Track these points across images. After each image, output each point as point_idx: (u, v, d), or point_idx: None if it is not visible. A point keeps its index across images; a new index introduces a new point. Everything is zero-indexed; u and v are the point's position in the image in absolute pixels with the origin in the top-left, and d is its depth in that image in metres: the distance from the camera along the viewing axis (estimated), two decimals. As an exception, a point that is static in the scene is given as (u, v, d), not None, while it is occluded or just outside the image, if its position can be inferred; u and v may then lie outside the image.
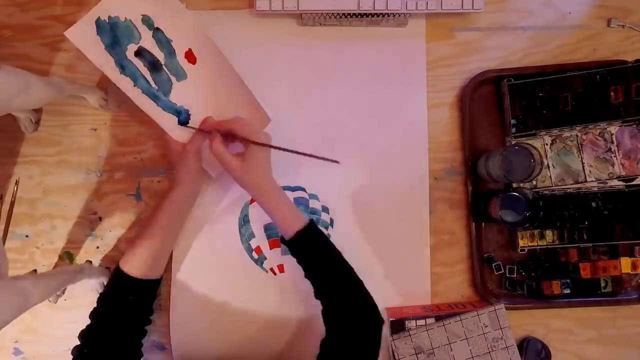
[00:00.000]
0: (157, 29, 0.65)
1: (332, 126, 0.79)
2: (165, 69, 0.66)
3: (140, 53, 0.65)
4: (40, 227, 0.79)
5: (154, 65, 0.66)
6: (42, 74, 0.80)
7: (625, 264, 0.75)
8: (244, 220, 0.78)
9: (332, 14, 0.77)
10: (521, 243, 0.75)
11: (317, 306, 0.77)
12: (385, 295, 0.77)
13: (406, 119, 0.79)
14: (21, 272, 0.79)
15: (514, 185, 0.74)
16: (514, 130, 0.76)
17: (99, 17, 0.63)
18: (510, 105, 0.75)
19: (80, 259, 0.79)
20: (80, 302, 0.79)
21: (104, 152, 0.79)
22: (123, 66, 0.65)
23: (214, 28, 0.80)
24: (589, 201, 0.75)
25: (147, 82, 0.66)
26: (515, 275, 0.77)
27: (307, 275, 0.69)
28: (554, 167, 0.75)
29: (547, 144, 0.75)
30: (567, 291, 0.76)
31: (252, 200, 0.78)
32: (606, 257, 0.76)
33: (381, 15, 0.78)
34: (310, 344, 0.77)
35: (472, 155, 0.78)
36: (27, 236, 0.79)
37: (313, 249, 0.68)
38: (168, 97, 0.67)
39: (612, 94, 0.74)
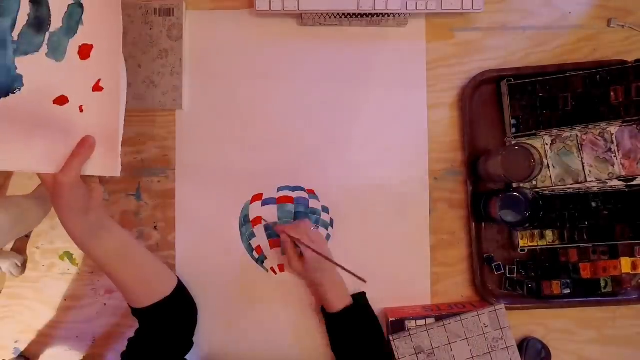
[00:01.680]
0: (80, 4, 0.53)
1: (332, 126, 0.79)
2: (47, 36, 0.52)
3: (37, 3, 0.51)
4: (40, 227, 0.79)
5: (39, 24, 0.51)
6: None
7: (625, 264, 0.75)
8: (245, 220, 0.78)
9: (332, 14, 0.77)
10: (521, 243, 0.75)
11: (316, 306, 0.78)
12: (385, 295, 0.77)
13: (406, 119, 0.79)
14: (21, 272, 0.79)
15: (514, 185, 0.74)
16: (514, 130, 0.76)
17: None
18: (510, 105, 0.75)
19: (79, 259, 0.79)
20: (79, 303, 0.79)
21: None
22: None
23: (214, 28, 0.80)
24: (589, 201, 0.75)
25: (12, 27, 0.51)
26: (515, 276, 0.77)
27: (334, 349, 0.73)
28: (554, 167, 0.75)
29: (547, 144, 0.75)
30: (567, 291, 0.75)
31: (252, 200, 0.78)
32: (606, 257, 0.76)
33: (381, 16, 0.78)
34: (311, 343, 0.78)
35: (472, 155, 0.78)
36: (26, 236, 0.79)
37: (354, 326, 0.71)
38: (16, 57, 0.51)
39: (612, 94, 0.74)
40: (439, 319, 0.73)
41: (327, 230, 0.78)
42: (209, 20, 0.81)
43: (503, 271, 0.77)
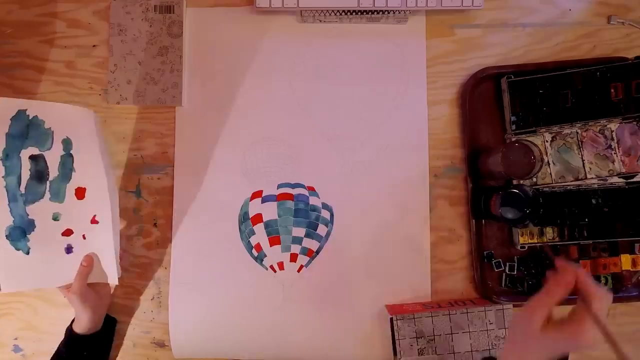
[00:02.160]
0: (71, 154, 0.65)
1: (332, 123, 0.79)
2: (47, 184, 0.65)
3: (35, 159, 0.65)
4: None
5: (39, 176, 0.65)
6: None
7: (625, 261, 0.75)
8: (244, 217, 0.78)
9: (332, 11, 0.77)
10: (521, 240, 0.75)
11: (316, 304, 0.78)
12: (385, 292, 0.77)
13: (406, 116, 0.79)
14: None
15: (514, 182, 0.73)
16: (514, 127, 0.75)
17: (26, 110, 0.63)
18: (510, 102, 0.75)
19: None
20: (80, 299, 0.79)
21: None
22: (8, 156, 0.64)
23: (214, 25, 0.80)
24: (589, 198, 0.75)
25: (19, 183, 0.64)
26: (515, 273, 0.77)
27: None
28: (554, 164, 0.75)
29: (547, 141, 0.75)
30: (567, 288, 0.75)
31: (252, 197, 0.78)
32: (606, 254, 0.76)
33: (381, 13, 0.77)
34: (310, 341, 0.78)
35: (472, 152, 0.77)
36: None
37: None
38: (27, 206, 0.65)
39: (612, 90, 0.74)
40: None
41: (327, 227, 0.78)
42: (209, 18, 0.81)
43: (503, 268, 0.77)
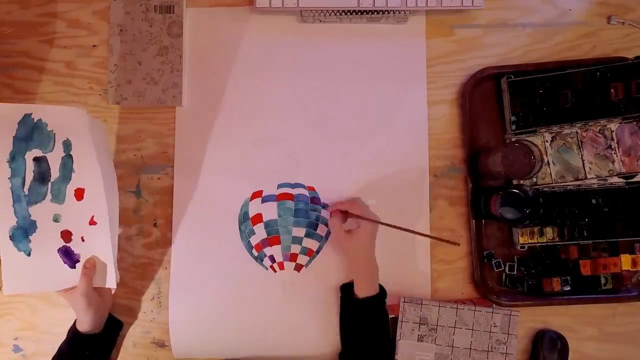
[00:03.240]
0: (70, 155, 0.67)
1: (332, 123, 0.79)
2: (49, 186, 0.67)
3: (39, 161, 0.66)
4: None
5: (42, 177, 0.67)
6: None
7: (625, 261, 0.75)
8: (244, 217, 0.78)
9: (332, 11, 0.77)
10: (521, 240, 0.75)
11: (316, 304, 0.78)
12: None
13: (406, 116, 0.79)
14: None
15: (514, 182, 0.74)
16: (514, 127, 0.76)
17: (31, 113, 0.65)
18: (510, 102, 0.75)
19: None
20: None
21: (103, 149, 0.79)
22: (14, 158, 0.66)
23: (214, 25, 0.80)
24: (589, 198, 0.75)
25: (23, 184, 0.66)
26: (515, 273, 0.77)
27: (343, 335, 0.75)
28: (554, 164, 0.75)
29: (547, 141, 0.75)
30: (567, 288, 0.75)
31: (252, 197, 0.78)
32: (606, 254, 0.76)
33: (381, 13, 0.77)
34: (309, 341, 0.78)
35: (472, 152, 0.78)
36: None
37: (370, 315, 0.71)
38: (29, 207, 0.67)
39: (612, 90, 0.74)
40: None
41: (327, 227, 0.78)
42: (209, 18, 0.81)
43: (503, 268, 0.77)
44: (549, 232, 0.75)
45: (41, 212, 0.67)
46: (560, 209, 0.75)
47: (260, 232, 0.77)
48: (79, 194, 0.67)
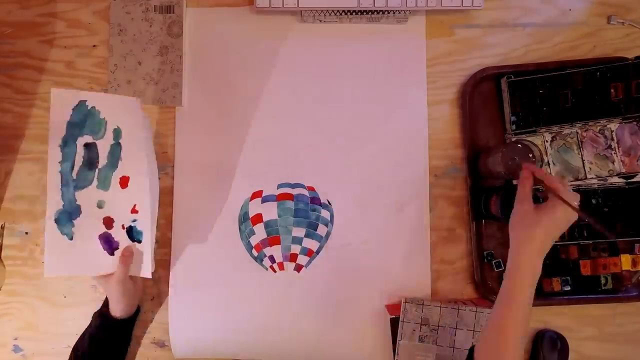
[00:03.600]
0: (119, 143, 0.68)
1: (332, 123, 0.79)
2: (96, 172, 0.68)
3: (89, 147, 0.68)
4: (40, 224, 0.79)
5: (91, 163, 0.68)
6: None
7: (625, 261, 0.75)
8: (244, 217, 0.78)
9: (332, 11, 0.77)
10: (521, 240, 0.75)
11: (315, 304, 0.78)
12: (385, 292, 0.77)
13: (406, 116, 0.79)
14: (20, 269, 0.79)
15: (514, 182, 0.73)
16: (514, 127, 0.75)
17: (86, 101, 0.67)
18: (510, 102, 0.75)
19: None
20: (80, 299, 0.79)
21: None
22: (66, 143, 0.67)
23: (214, 25, 0.80)
24: (589, 198, 0.75)
25: (72, 168, 0.68)
26: (515, 273, 0.77)
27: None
28: (554, 164, 0.75)
29: (547, 141, 0.75)
30: (567, 288, 0.75)
31: (252, 197, 0.78)
32: (606, 254, 0.76)
33: (381, 13, 0.77)
34: (310, 341, 0.78)
35: (472, 152, 0.77)
36: (26, 233, 0.79)
37: None
38: (76, 192, 0.68)
39: (612, 91, 0.74)
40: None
41: (327, 227, 0.78)
42: (209, 18, 0.81)
43: (503, 268, 0.77)
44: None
45: (86, 197, 0.68)
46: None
47: (260, 232, 0.77)
48: (124, 181, 0.68)
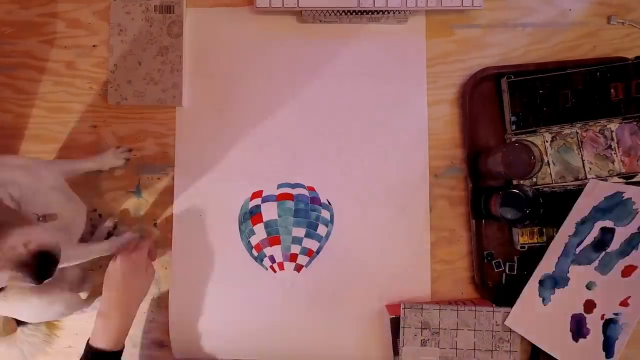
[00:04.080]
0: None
1: (332, 123, 0.79)
2: (602, 254, 0.66)
3: (605, 231, 0.67)
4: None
5: (600, 245, 0.67)
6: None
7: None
8: (244, 217, 0.78)
9: (332, 11, 0.77)
10: (521, 240, 0.75)
11: (315, 304, 0.78)
12: (385, 292, 0.77)
13: (406, 116, 0.79)
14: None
15: (514, 182, 0.73)
16: (514, 127, 0.75)
17: (624, 192, 0.67)
18: (510, 102, 0.75)
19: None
20: (80, 299, 0.79)
21: (103, 149, 0.79)
22: (584, 222, 0.68)
23: (214, 25, 0.80)
24: (589, 198, 0.75)
25: (578, 244, 0.68)
26: (515, 273, 0.77)
27: None
28: (554, 164, 0.75)
29: (547, 141, 0.75)
30: (568, 288, 0.75)
31: (252, 197, 0.78)
32: (606, 254, 0.76)
33: (381, 13, 0.77)
34: (309, 341, 0.78)
35: (472, 152, 0.77)
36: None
37: None
38: (571, 265, 0.67)
39: (612, 91, 0.74)
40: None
41: (327, 227, 0.78)
42: (209, 18, 0.81)
43: (503, 268, 0.77)
44: (549, 232, 0.75)
45: (579, 273, 0.67)
46: (560, 209, 0.75)
47: (260, 232, 0.77)
48: (628, 270, 0.64)
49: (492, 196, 0.74)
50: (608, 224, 0.67)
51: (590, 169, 0.74)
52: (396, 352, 0.74)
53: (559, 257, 0.68)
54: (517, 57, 0.79)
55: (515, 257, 0.77)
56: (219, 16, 0.80)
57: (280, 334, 0.78)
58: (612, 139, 0.74)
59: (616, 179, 0.75)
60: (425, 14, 0.79)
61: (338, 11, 0.77)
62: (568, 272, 0.68)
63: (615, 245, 0.66)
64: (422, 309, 0.73)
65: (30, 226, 0.50)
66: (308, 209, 0.77)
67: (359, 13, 0.78)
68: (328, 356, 0.77)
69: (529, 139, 0.74)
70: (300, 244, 0.77)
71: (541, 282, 0.69)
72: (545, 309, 0.68)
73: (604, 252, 0.66)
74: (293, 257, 0.78)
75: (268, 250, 0.77)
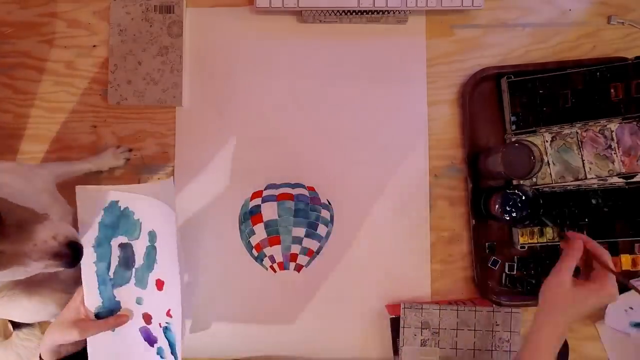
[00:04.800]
0: (154, 247, 0.65)
1: (332, 123, 0.79)
2: (133, 271, 0.66)
3: (124, 247, 0.66)
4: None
5: (127, 262, 0.66)
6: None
7: (625, 261, 0.75)
8: (244, 217, 0.78)
9: (332, 11, 0.77)
10: (521, 240, 0.75)
11: (315, 304, 0.78)
12: (385, 292, 0.77)
13: (406, 116, 0.79)
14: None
15: (514, 182, 0.74)
16: (514, 127, 0.76)
17: (118, 201, 0.64)
18: (510, 102, 0.75)
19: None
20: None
21: (103, 149, 0.79)
22: (100, 244, 0.65)
23: (214, 25, 0.80)
24: (589, 198, 0.75)
25: (108, 268, 0.66)
26: (515, 273, 0.77)
27: None
28: (554, 164, 0.75)
29: (547, 141, 0.75)
30: (568, 288, 0.75)
31: (252, 197, 0.78)
32: (606, 254, 0.76)
33: (381, 13, 0.77)
34: (309, 341, 0.78)
35: (472, 152, 0.78)
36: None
37: None
38: (114, 289, 0.66)
39: (612, 91, 0.74)
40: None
41: (327, 227, 0.78)
42: (209, 18, 0.81)
43: (503, 268, 0.77)
44: (549, 232, 0.75)
45: (125, 293, 0.66)
46: (560, 209, 0.75)
47: (260, 232, 0.77)
48: (160, 284, 0.66)
49: (492, 196, 0.74)
50: (123, 239, 0.65)
51: (590, 169, 0.74)
52: (396, 352, 0.74)
53: (98, 288, 0.65)
54: (517, 57, 0.79)
55: (515, 257, 0.77)
56: (219, 16, 0.80)
57: (280, 334, 0.78)
58: (612, 139, 0.74)
59: (616, 178, 0.75)
60: (425, 14, 0.79)
61: (338, 11, 0.77)
62: (115, 296, 0.66)
63: (139, 260, 0.65)
64: (422, 308, 0.73)
65: (49, 221, 0.53)
66: (308, 209, 0.77)
67: (359, 13, 0.78)
68: (328, 355, 0.77)
69: (529, 139, 0.74)
70: (301, 244, 0.77)
71: (98, 316, 0.65)
72: (116, 336, 0.66)
73: (134, 269, 0.65)
74: (293, 257, 0.78)
75: (268, 250, 0.77)
